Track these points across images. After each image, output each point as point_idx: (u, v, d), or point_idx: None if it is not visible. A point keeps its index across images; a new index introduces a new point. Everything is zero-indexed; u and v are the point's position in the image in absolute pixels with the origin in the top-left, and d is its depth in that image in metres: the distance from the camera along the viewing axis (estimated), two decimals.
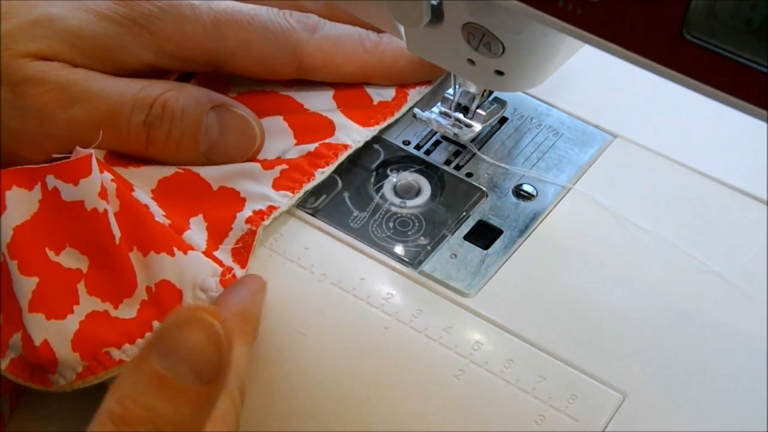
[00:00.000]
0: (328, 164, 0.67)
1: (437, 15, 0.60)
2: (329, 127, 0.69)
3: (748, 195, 0.67)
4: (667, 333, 0.62)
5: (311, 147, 0.68)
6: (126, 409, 0.48)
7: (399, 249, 0.66)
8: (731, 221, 0.66)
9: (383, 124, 0.70)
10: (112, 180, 0.63)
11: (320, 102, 0.70)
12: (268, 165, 0.66)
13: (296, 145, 0.68)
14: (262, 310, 0.62)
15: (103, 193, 0.61)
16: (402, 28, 0.64)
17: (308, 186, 0.66)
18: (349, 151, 0.68)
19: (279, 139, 0.68)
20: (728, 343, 0.61)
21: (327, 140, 0.68)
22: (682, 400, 0.59)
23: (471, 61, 0.62)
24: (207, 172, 0.66)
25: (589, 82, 0.73)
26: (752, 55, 0.47)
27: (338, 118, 0.69)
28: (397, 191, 0.69)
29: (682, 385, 0.60)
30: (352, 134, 0.69)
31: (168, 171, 0.66)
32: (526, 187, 0.68)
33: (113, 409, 0.48)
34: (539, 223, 0.67)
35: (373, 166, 0.70)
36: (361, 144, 0.69)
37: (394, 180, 0.69)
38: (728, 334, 0.62)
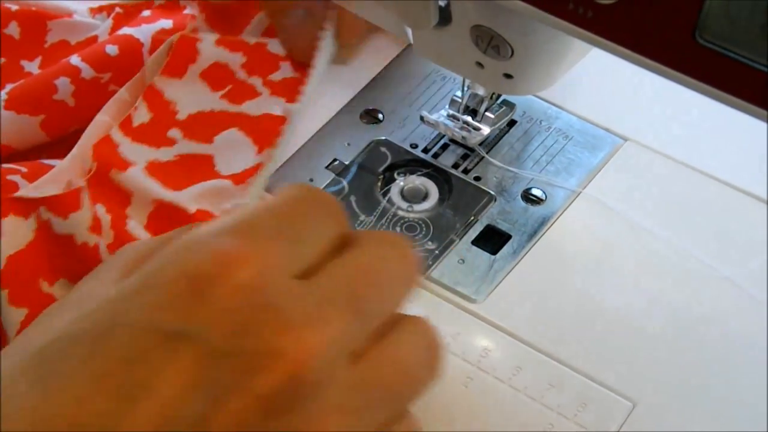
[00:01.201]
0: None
1: (445, 17, 0.59)
2: (281, 120, 0.68)
3: (761, 200, 0.66)
4: (678, 340, 0.61)
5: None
6: None
7: None
8: (744, 226, 0.65)
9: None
10: (107, 211, 0.62)
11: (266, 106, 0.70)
12: (238, 179, 0.65)
13: (258, 153, 0.67)
14: None
15: (95, 227, 0.61)
16: (410, 31, 0.63)
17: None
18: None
19: (241, 151, 0.67)
20: (740, 350, 0.61)
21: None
22: (693, 407, 0.59)
23: (479, 64, 0.61)
24: (181, 198, 0.64)
25: (599, 84, 0.72)
26: (767, 60, 0.46)
27: (285, 107, 0.69)
28: (405, 195, 0.68)
29: (693, 392, 0.59)
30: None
31: (149, 205, 0.65)
32: (535, 191, 0.67)
33: None
34: (548, 228, 0.66)
35: (380, 169, 0.69)
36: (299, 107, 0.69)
37: (402, 184, 0.68)
38: (740, 341, 0.61)
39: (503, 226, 0.66)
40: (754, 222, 0.65)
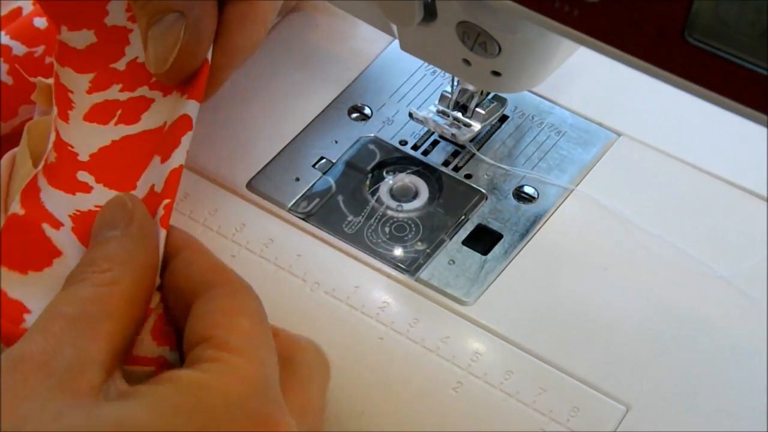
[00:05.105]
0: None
1: (430, 13, 0.58)
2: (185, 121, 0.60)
3: (757, 196, 0.65)
4: (673, 341, 0.60)
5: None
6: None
7: (395, 255, 0.64)
8: (739, 223, 0.64)
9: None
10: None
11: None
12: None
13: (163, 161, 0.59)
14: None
15: None
16: (395, 26, 0.62)
17: None
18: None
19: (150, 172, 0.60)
20: (735, 352, 0.60)
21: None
22: (687, 411, 0.58)
23: (467, 62, 0.60)
24: None
25: (592, 78, 0.70)
26: (757, 59, 0.45)
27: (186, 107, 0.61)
28: (394, 194, 0.67)
29: (687, 395, 0.58)
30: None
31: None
32: (527, 189, 0.66)
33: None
34: (540, 227, 0.65)
35: (369, 167, 0.68)
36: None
37: (391, 182, 0.67)
38: (734, 343, 0.60)
39: (494, 225, 0.65)
40: (750, 219, 0.64)
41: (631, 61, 0.49)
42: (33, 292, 0.55)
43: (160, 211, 0.56)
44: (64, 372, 0.47)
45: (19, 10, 0.72)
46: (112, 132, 0.62)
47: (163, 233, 0.55)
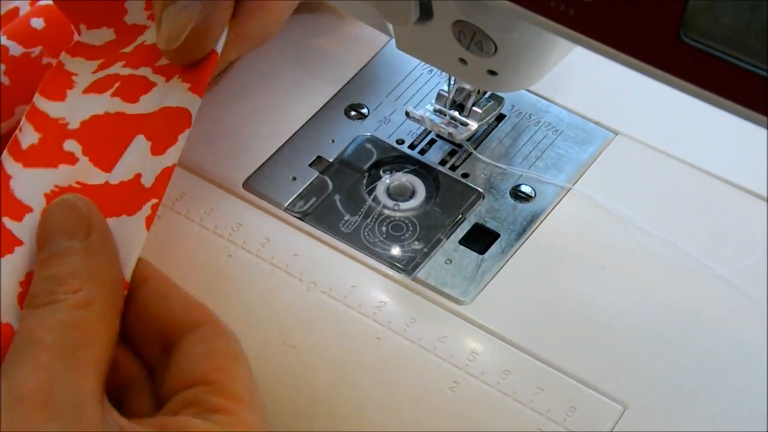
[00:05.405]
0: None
1: (426, 12, 0.58)
2: (184, 116, 0.60)
3: (754, 195, 0.65)
4: (670, 341, 0.60)
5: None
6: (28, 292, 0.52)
7: (392, 254, 0.64)
8: (736, 222, 0.64)
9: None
10: None
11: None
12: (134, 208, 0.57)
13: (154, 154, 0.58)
14: None
15: None
16: (391, 27, 0.62)
17: None
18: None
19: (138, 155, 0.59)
20: (733, 351, 0.59)
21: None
22: (685, 410, 0.57)
23: (463, 61, 0.60)
24: None
25: (589, 77, 0.70)
26: (752, 59, 0.44)
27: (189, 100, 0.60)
28: (391, 193, 0.67)
29: (685, 395, 0.58)
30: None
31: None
32: (524, 188, 0.66)
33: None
34: (537, 226, 0.64)
35: (365, 166, 0.67)
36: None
37: (387, 181, 0.67)
38: (733, 342, 0.60)
39: (491, 225, 0.65)
40: (748, 218, 0.64)
41: (626, 60, 0.48)
42: None
43: (146, 210, 0.55)
44: (68, 410, 0.48)
45: (16, 10, 0.72)
46: (108, 103, 0.62)
47: (144, 234, 0.55)
